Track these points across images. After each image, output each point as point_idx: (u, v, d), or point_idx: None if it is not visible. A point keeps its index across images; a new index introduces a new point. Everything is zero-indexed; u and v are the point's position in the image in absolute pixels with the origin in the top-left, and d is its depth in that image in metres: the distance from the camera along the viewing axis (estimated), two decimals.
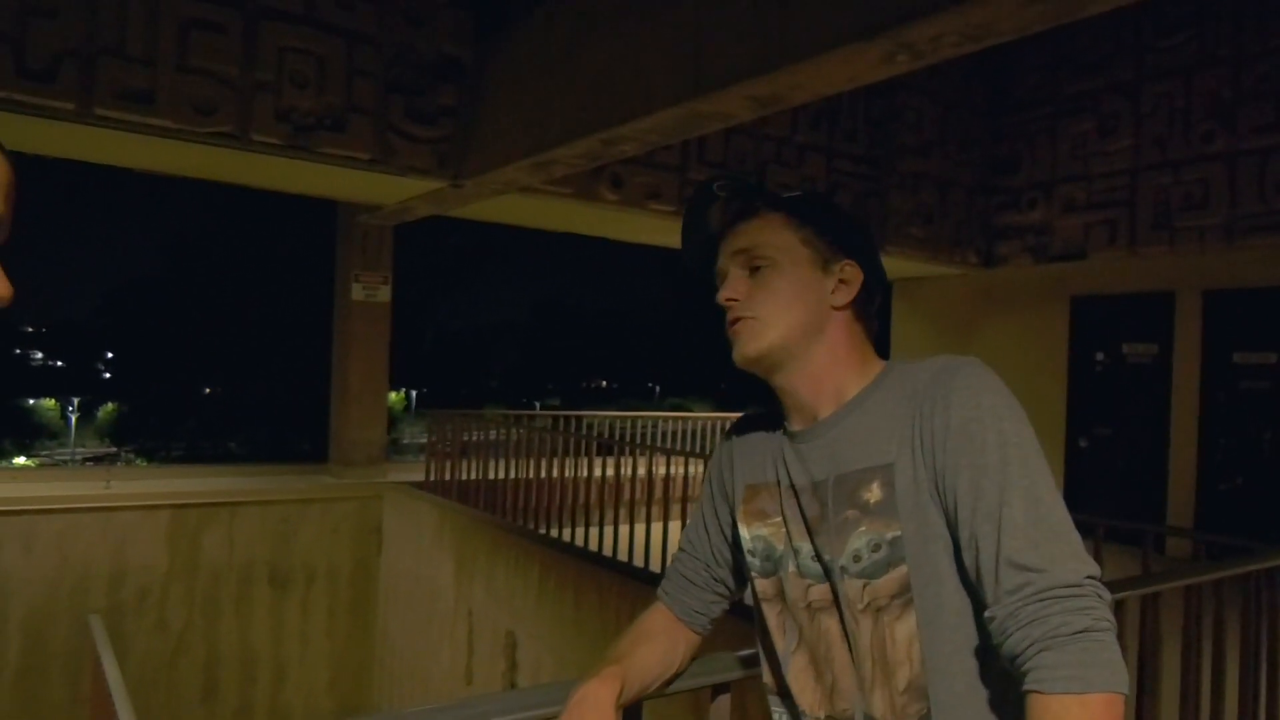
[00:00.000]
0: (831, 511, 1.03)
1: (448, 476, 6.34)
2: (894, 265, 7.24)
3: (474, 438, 6.37)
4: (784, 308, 1.08)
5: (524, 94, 4.61)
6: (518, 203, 5.60)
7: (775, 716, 1.13)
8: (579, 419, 9.16)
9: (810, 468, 1.07)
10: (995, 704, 0.96)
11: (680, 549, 1.29)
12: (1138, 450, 6.30)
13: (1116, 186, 6.18)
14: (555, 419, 8.63)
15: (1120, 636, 0.91)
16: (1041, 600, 0.87)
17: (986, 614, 0.91)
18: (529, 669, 4.68)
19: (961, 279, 7.39)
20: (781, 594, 1.10)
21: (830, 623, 1.04)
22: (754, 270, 1.10)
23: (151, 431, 24.64)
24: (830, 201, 1.20)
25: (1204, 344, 6.01)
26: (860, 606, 1.01)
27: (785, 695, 1.11)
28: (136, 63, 4.04)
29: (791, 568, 1.08)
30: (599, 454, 6.11)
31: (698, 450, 7.64)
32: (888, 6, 2.84)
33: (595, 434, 8.52)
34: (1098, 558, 3.63)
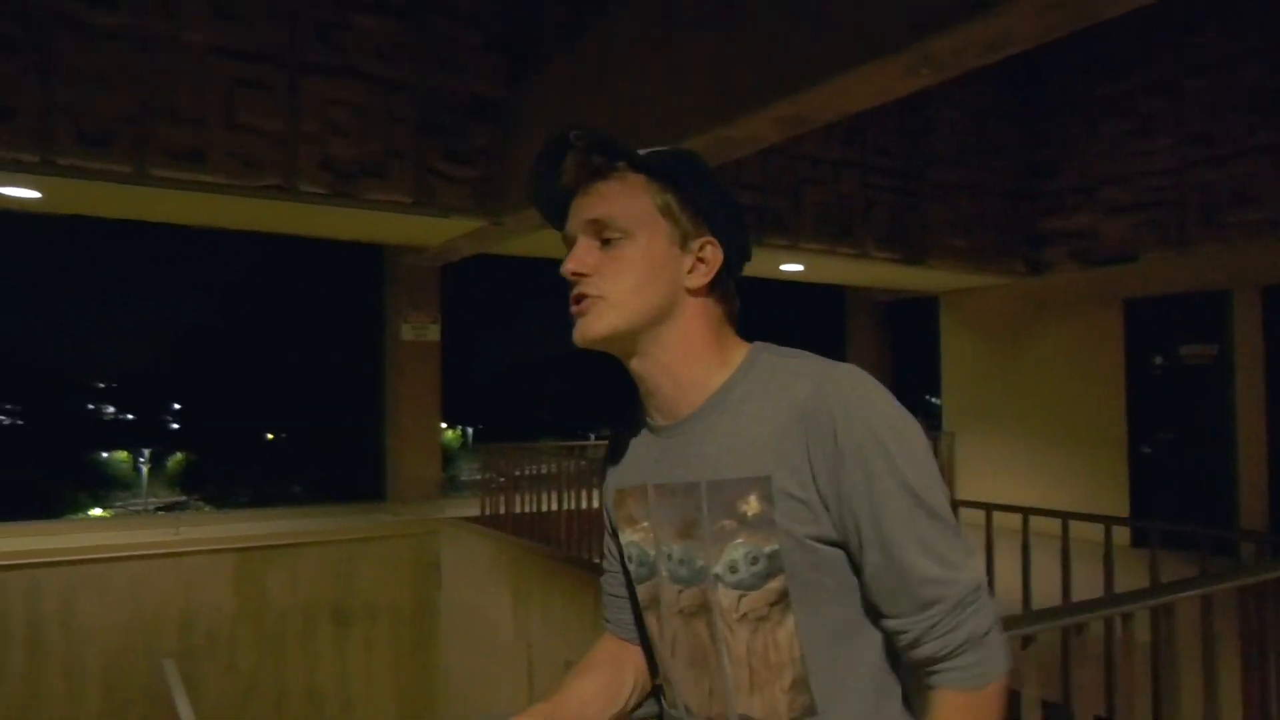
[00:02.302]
0: (707, 518, 0.98)
1: (501, 510, 6.41)
2: (938, 277, 7.18)
3: (526, 471, 6.42)
4: (635, 288, 0.98)
5: (554, 129, 4.71)
6: (557, 238, 5.69)
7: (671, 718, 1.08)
8: None
9: (678, 469, 1.01)
10: (878, 692, 0.98)
11: (604, 567, 1.23)
12: (1203, 454, 6.12)
13: (1161, 186, 6.06)
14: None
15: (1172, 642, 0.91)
16: (955, 611, 0.92)
17: (895, 623, 0.94)
18: None
19: (1009, 288, 7.29)
20: (657, 600, 1.05)
21: (701, 627, 1.01)
22: (605, 241, 0.99)
23: (218, 478, 25.27)
24: (698, 163, 1.04)
25: (1266, 341, 5.83)
26: (736, 616, 0.98)
27: (678, 698, 1.06)
28: (187, 123, 4.22)
29: (664, 572, 1.03)
30: None
31: None
32: (906, 22, 2.86)
33: None
34: (1157, 565, 3.54)
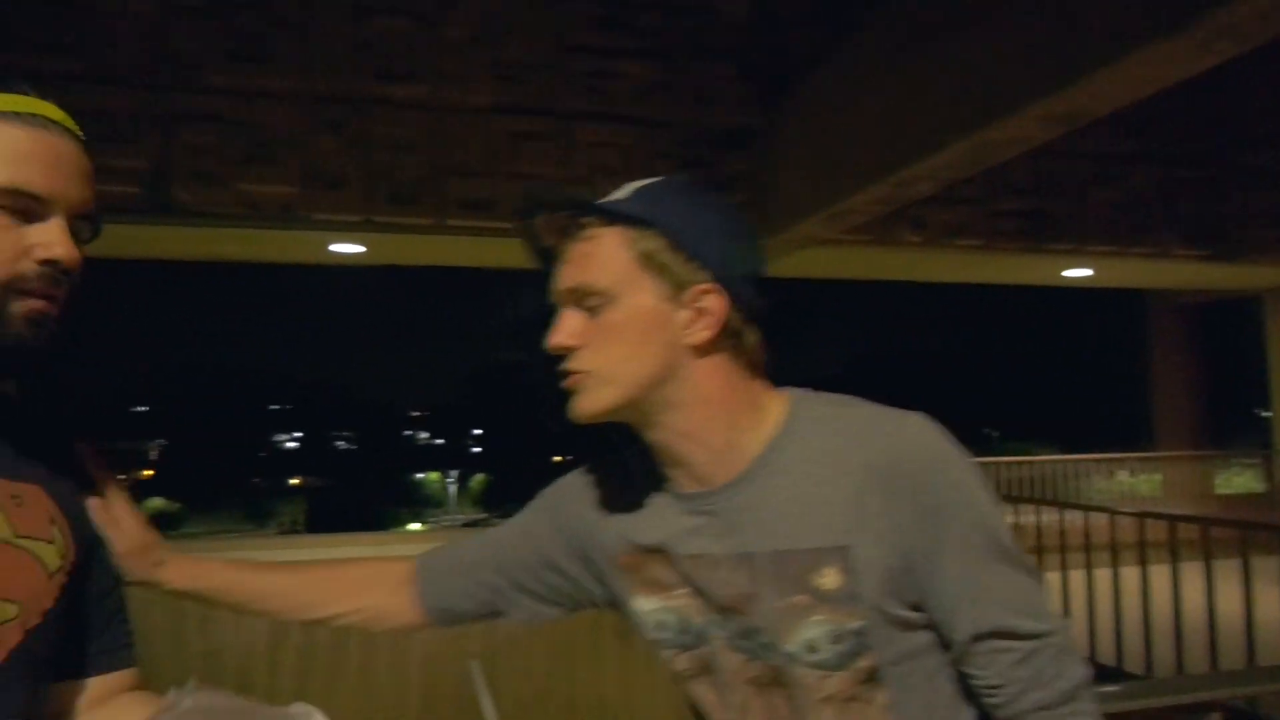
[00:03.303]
0: (771, 592, 0.88)
1: None
2: (1259, 274, 6.30)
3: None
4: (625, 357, 0.87)
5: (811, 149, 4.72)
6: (818, 256, 5.68)
7: None
8: None
9: (723, 540, 0.90)
10: None
11: (465, 541, 1.13)
12: None
13: None
14: None
15: None
16: (1056, 659, 0.89)
17: (995, 681, 0.90)
18: None
19: None
20: (712, 668, 0.96)
21: (779, 701, 0.92)
22: (589, 309, 0.89)
23: (513, 496, 27.50)
24: (682, 193, 0.91)
25: None
26: (820, 695, 0.89)
27: None
28: (477, 176, 4.72)
29: (720, 642, 0.93)
30: None
31: (1046, 497, 7.05)
32: None
33: None
34: None
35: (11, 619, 0.73)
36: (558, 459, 27.35)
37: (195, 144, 4.26)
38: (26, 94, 0.78)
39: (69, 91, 3.53)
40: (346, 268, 5.74)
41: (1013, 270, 6.39)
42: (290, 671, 6.00)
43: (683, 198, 0.92)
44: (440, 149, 4.62)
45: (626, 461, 1.00)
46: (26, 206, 0.76)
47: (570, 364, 0.90)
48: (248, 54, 4.32)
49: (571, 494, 1.07)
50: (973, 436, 41.72)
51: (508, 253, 5.59)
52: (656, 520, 0.95)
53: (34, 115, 0.76)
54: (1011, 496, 5.62)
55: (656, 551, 0.95)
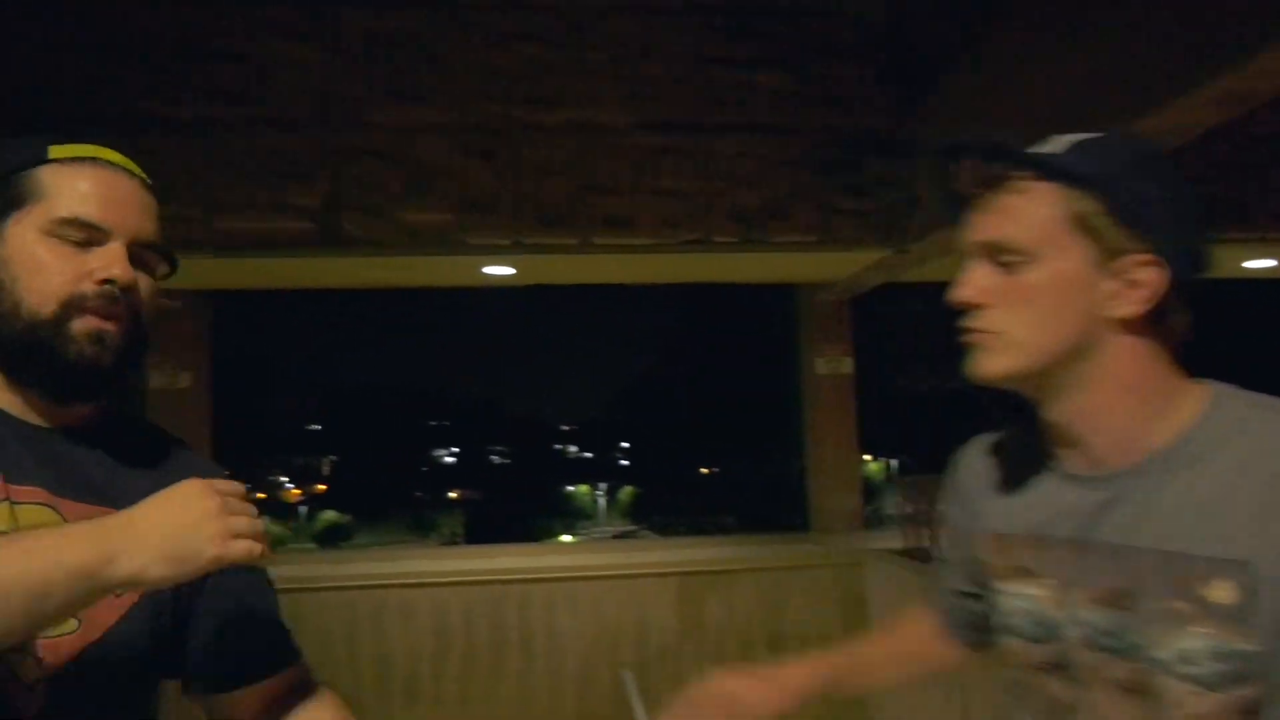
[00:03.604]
0: (1150, 592, 0.83)
1: (926, 544, 6.24)
2: None
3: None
4: (1039, 322, 0.83)
5: (944, 139, 4.59)
6: None
7: None
8: None
9: (1111, 527, 0.85)
10: None
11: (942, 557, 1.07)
12: None
13: None
14: None
15: None
16: None
17: None
18: None
19: None
20: (1063, 664, 0.89)
21: (1138, 710, 0.84)
22: (1003, 265, 0.85)
23: (661, 509, 27.72)
24: (1138, 152, 0.83)
25: None
26: (1187, 713, 0.82)
27: None
28: (618, 195, 4.84)
29: (1076, 639, 0.87)
30: None
31: None
32: None
33: None
34: None
35: (70, 632, 0.82)
36: (704, 470, 27.38)
37: (360, 179, 4.58)
38: (89, 142, 0.89)
39: (253, 136, 3.87)
40: (497, 289, 6.00)
41: None
42: (453, 675, 6.28)
43: (1127, 157, 0.85)
44: (583, 170, 4.78)
45: (1018, 436, 0.96)
46: (86, 235, 0.87)
47: (975, 321, 0.86)
48: (405, 92, 4.62)
49: (964, 470, 1.05)
50: None
51: (649, 268, 5.71)
52: (1038, 500, 0.91)
53: (95, 159, 0.87)
54: None
55: (1034, 534, 0.91)
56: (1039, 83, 3.85)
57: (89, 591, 0.74)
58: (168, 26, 4.53)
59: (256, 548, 0.82)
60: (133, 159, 3.38)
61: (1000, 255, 0.85)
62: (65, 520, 0.86)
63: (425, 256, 4.77)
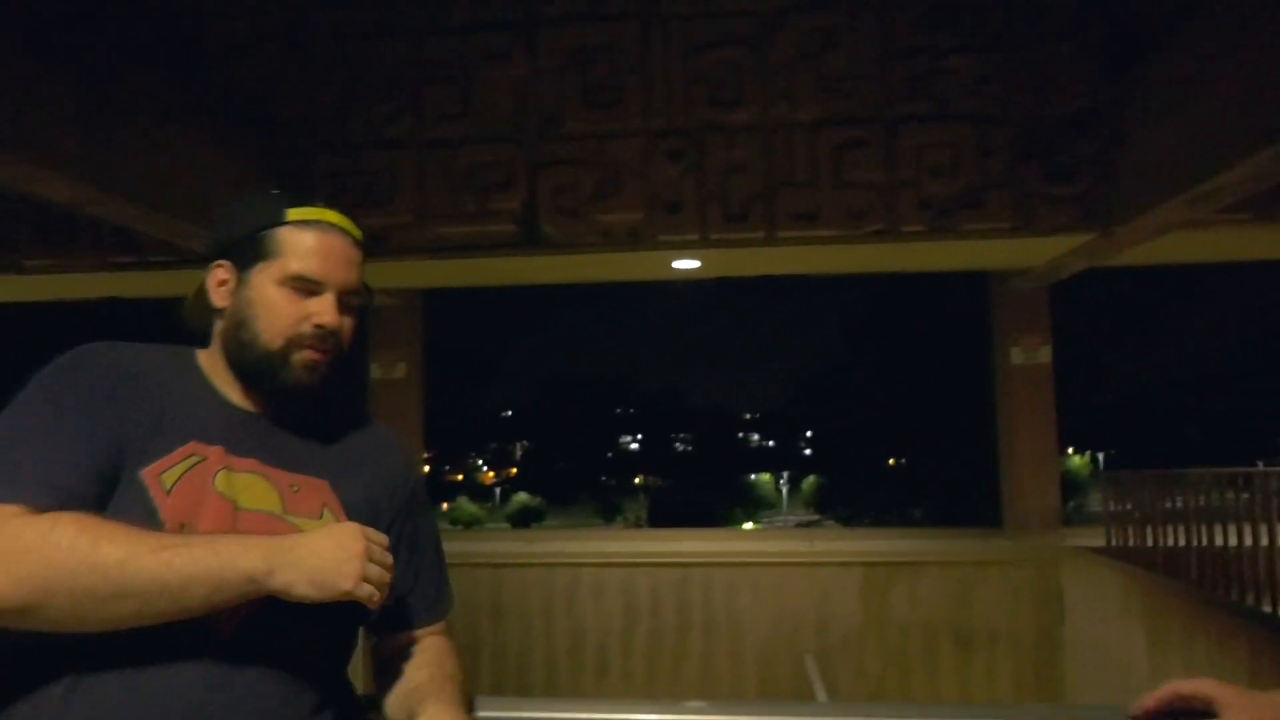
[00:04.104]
0: None
1: (1130, 543, 5.92)
2: None
3: (1167, 505, 5.80)
4: None
5: (1166, 128, 4.32)
6: (1180, 240, 5.15)
7: None
8: None
9: None
10: None
11: None
12: None
13: None
14: None
15: None
16: None
17: None
18: None
19: None
20: None
21: None
22: None
23: (846, 500, 27.25)
24: None
25: None
26: None
27: None
28: (803, 189, 4.90)
29: None
30: None
31: None
32: None
33: None
34: None
35: None
36: (891, 462, 26.65)
37: (557, 184, 4.89)
38: (315, 205, 1.11)
39: (462, 148, 4.26)
40: (684, 282, 6.20)
41: None
42: (640, 654, 6.57)
43: None
44: (769, 166, 4.87)
45: None
46: (308, 287, 1.09)
47: None
48: (599, 101, 4.88)
49: None
50: None
51: (834, 259, 5.72)
52: None
53: (319, 222, 1.07)
54: None
55: None
56: (1248, 64, 3.59)
57: (250, 592, 0.95)
58: (395, 54, 5.01)
59: (377, 595, 1.01)
60: (360, 175, 3.81)
61: None
62: (271, 483, 1.09)
63: (617, 254, 5.02)
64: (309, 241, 1.10)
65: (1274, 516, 4.85)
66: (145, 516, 0.98)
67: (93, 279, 5.37)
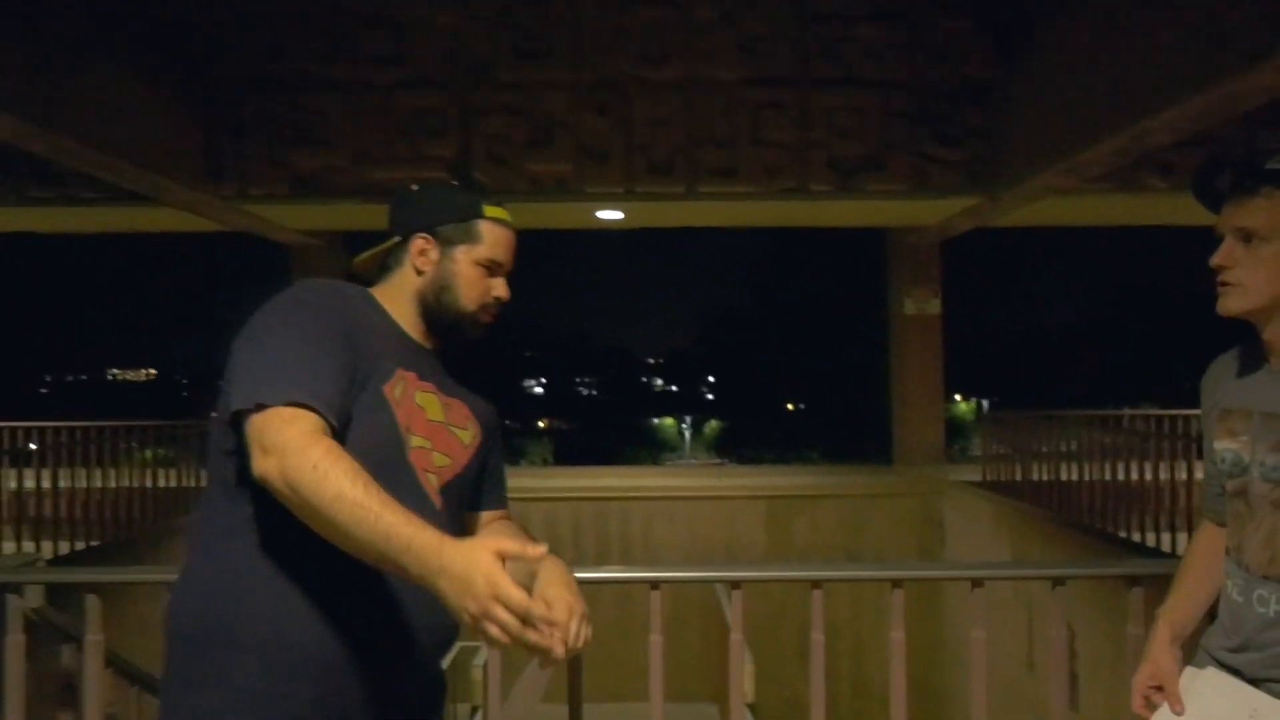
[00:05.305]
0: None
1: (1002, 477, 6.60)
2: None
3: (1042, 448, 6.30)
4: (1266, 280, 1.28)
5: (1048, 103, 4.78)
6: (1057, 205, 5.70)
7: (1230, 570, 1.40)
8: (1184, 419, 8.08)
9: None
10: None
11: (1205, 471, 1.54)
12: None
13: None
14: (1155, 419, 7.88)
15: None
16: None
17: None
18: (1087, 661, 4.76)
19: None
20: (1245, 492, 1.36)
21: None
22: (1247, 240, 1.28)
23: (747, 442, 28.18)
24: None
25: None
26: None
27: (1239, 558, 1.37)
28: (723, 146, 5.21)
29: (1255, 474, 1.33)
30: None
31: None
32: None
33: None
34: None
35: (446, 465, 1.42)
36: (790, 406, 27.66)
37: (490, 132, 5.08)
38: (501, 206, 1.47)
39: (395, 95, 4.43)
40: (604, 233, 6.47)
41: None
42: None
43: None
44: (692, 123, 5.16)
45: (1246, 349, 1.42)
46: (494, 269, 1.46)
47: (1224, 277, 1.30)
48: (530, 52, 5.05)
49: (1211, 372, 1.51)
50: None
51: (748, 213, 6.08)
52: (1245, 389, 1.39)
53: (502, 220, 1.45)
54: None
55: (1244, 408, 1.38)
56: (1134, 39, 4.01)
57: (401, 572, 1.16)
58: None
59: (496, 643, 1.11)
60: (298, 115, 3.99)
61: (1248, 237, 1.29)
62: (441, 402, 1.44)
63: (547, 203, 5.25)
64: (499, 234, 1.44)
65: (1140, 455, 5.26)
66: (389, 422, 1.33)
67: (12, 214, 5.30)
